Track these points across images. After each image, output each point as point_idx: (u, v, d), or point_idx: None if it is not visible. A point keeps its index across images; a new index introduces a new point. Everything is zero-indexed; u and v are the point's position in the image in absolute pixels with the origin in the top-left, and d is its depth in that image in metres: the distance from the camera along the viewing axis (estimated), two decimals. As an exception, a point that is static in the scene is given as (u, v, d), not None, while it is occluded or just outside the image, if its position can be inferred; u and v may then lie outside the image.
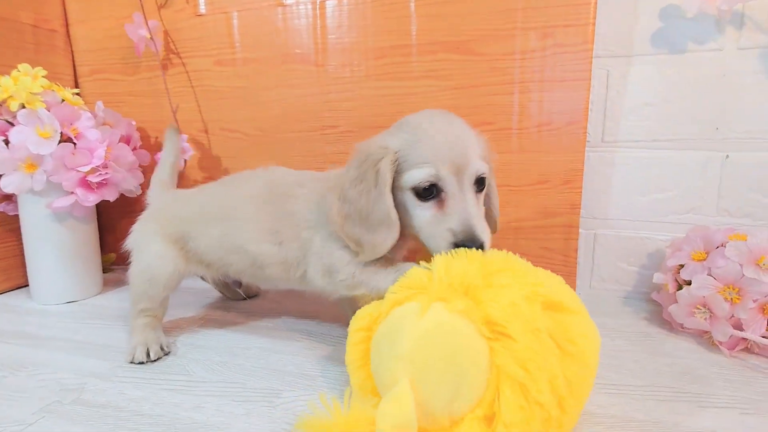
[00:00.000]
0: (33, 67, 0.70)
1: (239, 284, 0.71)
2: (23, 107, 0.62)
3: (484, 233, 0.41)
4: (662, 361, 0.51)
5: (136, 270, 0.57)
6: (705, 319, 0.54)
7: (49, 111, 0.63)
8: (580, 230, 0.68)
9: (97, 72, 0.85)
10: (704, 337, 0.56)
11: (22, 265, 0.78)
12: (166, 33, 0.80)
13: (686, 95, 0.64)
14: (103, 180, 0.66)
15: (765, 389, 0.45)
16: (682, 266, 0.59)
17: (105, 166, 0.66)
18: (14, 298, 0.75)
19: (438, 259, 0.38)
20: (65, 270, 0.71)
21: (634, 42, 0.64)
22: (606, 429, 0.39)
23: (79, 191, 0.65)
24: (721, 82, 0.62)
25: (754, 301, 0.51)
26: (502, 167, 0.67)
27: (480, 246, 0.40)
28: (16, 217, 0.75)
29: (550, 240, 0.68)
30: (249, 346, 0.56)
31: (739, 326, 0.52)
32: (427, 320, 0.34)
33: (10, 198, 0.74)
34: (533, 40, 0.63)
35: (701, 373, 0.48)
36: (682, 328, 0.58)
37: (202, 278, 0.69)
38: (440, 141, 0.42)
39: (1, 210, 0.73)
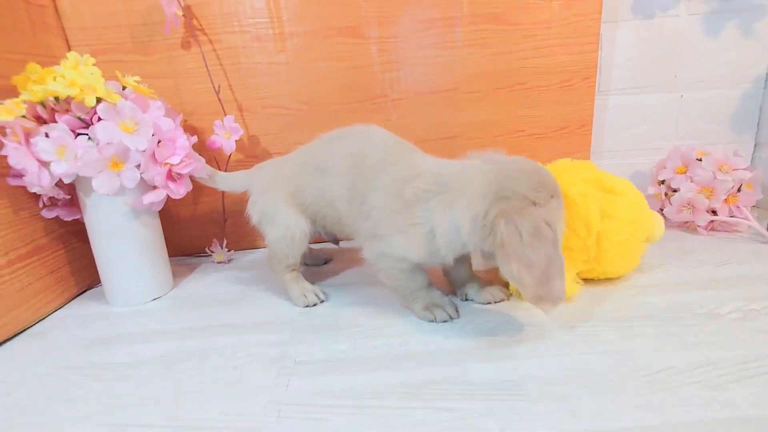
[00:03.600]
0: (32, 50, 0.66)
1: (337, 240, 0.76)
2: (99, 101, 0.58)
3: None
4: (667, 245, 0.73)
5: (274, 237, 0.63)
6: (690, 213, 0.78)
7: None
8: (586, 163, 0.88)
9: (101, 53, 0.77)
10: (686, 226, 0.81)
11: (85, 268, 0.73)
12: (188, 8, 0.75)
13: (654, 51, 0.85)
14: (188, 171, 0.65)
15: (729, 249, 0.70)
16: (662, 181, 0.82)
17: (189, 156, 0.65)
18: (89, 305, 0.70)
19: None
20: (149, 267, 0.69)
21: (619, 10, 0.82)
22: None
23: (171, 185, 0.63)
24: (678, 40, 0.84)
25: (724, 194, 0.75)
26: (533, 119, 0.83)
27: None
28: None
29: (568, 173, 0.86)
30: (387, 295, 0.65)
31: (710, 212, 0.77)
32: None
33: (56, 202, 0.67)
34: (557, 10, 0.76)
35: (692, 245, 0.73)
36: (671, 222, 0.82)
37: None
38: None
39: (54, 215, 0.67)
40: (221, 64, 0.79)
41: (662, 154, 0.89)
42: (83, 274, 0.75)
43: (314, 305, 0.64)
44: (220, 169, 0.82)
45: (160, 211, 0.84)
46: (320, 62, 0.79)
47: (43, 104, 0.58)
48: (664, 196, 0.81)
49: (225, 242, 0.84)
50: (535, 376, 0.44)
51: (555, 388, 0.43)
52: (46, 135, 0.57)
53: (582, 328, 0.52)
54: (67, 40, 0.76)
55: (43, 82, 0.57)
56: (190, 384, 0.48)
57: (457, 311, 0.58)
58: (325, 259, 0.81)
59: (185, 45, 0.77)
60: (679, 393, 0.40)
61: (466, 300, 0.61)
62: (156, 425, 0.42)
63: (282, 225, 0.62)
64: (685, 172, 0.79)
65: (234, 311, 0.64)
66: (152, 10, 0.75)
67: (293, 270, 0.65)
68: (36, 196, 0.66)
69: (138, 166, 0.60)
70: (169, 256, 0.86)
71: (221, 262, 0.84)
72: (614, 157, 0.91)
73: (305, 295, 0.64)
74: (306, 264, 0.80)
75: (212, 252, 0.83)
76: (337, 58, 0.79)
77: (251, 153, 0.84)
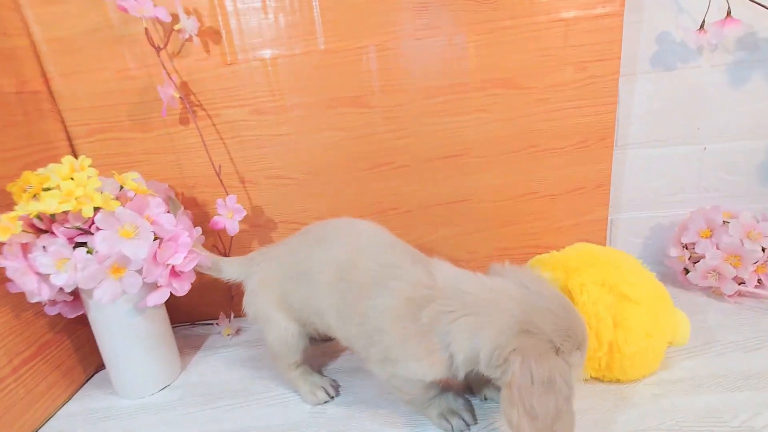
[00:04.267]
0: (28, 142, 0.66)
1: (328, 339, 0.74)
2: (96, 210, 0.56)
3: None
4: (691, 318, 0.69)
5: (271, 338, 0.62)
6: (715, 279, 0.74)
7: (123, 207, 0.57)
8: (603, 219, 0.84)
9: (99, 132, 0.75)
10: (710, 290, 0.77)
11: (91, 353, 0.73)
12: (184, 84, 0.73)
13: (675, 103, 0.80)
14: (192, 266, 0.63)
15: (758, 326, 0.67)
16: (685, 245, 0.78)
17: (191, 252, 0.63)
18: (97, 396, 0.69)
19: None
20: (156, 359, 0.67)
21: (638, 62, 0.78)
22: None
23: (175, 283, 0.61)
24: (700, 92, 0.79)
25: (753, 264, 0.71)
26: (547, 181, 0.79)
27: None
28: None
29: (584, 234, 0.83)
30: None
31: (737, 281, 0.73)
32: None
33: (54, 302, 0.66)
34: (571, 73, 0.72)
35: (719, 319, 0.70)
36: (695, 286, 0.78)
37: None
38: None
39: (57, 312, 0.65)
40: (221, 138, 0.76)
41: (683, 207, 0.85)
42: (89, 360, 0.74)
43: (325, 402, 0.62)
44: (224, 245, 0.81)
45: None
46: (324, 132, 0.76)
47: (39, 217, 0.56)
48: (687, 260, 0.78)
49: (232, 315, 0.83)
50: None
51: None
52: (44, 248, 0.55)
53: (606, 446, 0.50)
54: (63, 122, 0.74)
55: (39, 194, 0.55)
56: None
57: (473, 415, 0.55)
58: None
59: (184, 121, 0.75)
60: None
61: (485, 400, 0.59)
62: None
63: (275, 328, 0.60)
64: (710, 236, 0.75)
65: (242, 409, 0.63)
66: (148, 88, 0.72)
67: (298, 366, 0.63)
68: (38, 296, 0.64)
69: (140, 271, 0.58)
70: (176, 323, 0.84)
71: (229, 335, 0.82)
72: (633, 211, 0.87)
73: (315, 393, 0.62)
74: (314, 339, 0.78)
75: (219, 325, 0.82)
76: (341, 127, 0.76)
77: (256, 223, 0.82)
